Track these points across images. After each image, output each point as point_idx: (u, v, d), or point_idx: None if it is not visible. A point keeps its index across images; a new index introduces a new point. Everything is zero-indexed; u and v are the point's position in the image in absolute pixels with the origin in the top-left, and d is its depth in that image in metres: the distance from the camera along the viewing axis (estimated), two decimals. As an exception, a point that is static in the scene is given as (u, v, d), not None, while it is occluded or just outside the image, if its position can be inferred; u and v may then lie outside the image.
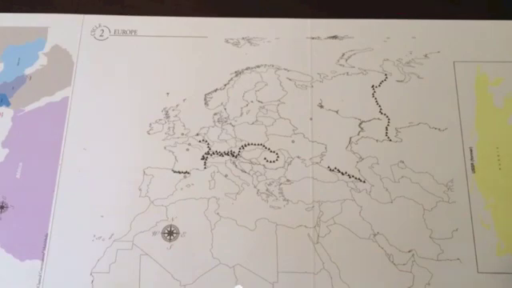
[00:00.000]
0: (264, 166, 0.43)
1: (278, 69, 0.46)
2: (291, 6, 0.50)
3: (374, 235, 0.41)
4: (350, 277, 0.40)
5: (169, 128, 0.44)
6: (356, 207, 0.42)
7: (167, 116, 0.45)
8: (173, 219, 0.41)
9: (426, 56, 0.46)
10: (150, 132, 0.44)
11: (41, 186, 0.43)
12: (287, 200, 0.42)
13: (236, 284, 0.39)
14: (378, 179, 0.42)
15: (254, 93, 0.46)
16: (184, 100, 0.45)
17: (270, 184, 0.42)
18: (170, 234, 0.41)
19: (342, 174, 0.43)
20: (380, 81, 0.46)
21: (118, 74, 0.47)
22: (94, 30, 0.48)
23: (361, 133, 0.44)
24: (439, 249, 0.40)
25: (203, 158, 0.43)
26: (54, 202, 0.42)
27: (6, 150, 0.44)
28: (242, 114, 0.45)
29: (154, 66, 0.47)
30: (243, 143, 0.44)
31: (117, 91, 0.46)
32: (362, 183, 0.42)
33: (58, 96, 0.46)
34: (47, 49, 0.48)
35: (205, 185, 0.42)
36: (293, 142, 0.44)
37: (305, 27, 0.48)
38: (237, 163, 0.43)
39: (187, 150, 0.44)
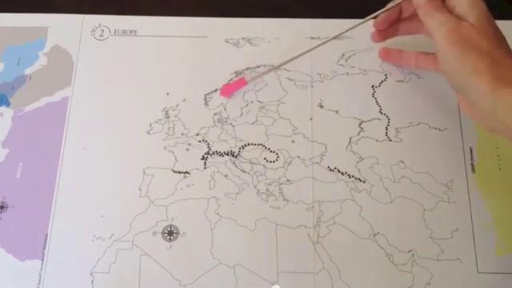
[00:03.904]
0: (264, 166, 0.43)
1: (278, 69, 0.46)
2: (291, 6, 0.50)
3: (374, 235, 0.41)
4: (350, 277, 0.40)
5: (169, 128, 0.44)
6: (356, 207, 0.42)
7: (167, 116, 0.45)
8: (173, 219, 0.41)
9: (426, 56, 0.46)
10: (150, 132, 0.44)
11: (41, 186, 0.43)
12: (287, 200, 0.42)
13: (237, 284, 0.39)
14: (378, 179, 0.42)
15: (254, 93, 0.46)
16: (184, 100, 0.45)
17: (270, 184, 0.42)
18: (170, 234, 0.41)
19: (342, 174, 0.43)
20: (380, 81, 0.46)
21: (118, 73, 0.47)
22: (94, 30, 0.48)
23: (361, 133, 0.44)
24: (439, 249, 0.40)
25: (203, 158, 0.43)
26: (54, 201, 0.42)
27: (6, 150, 0.44)
28: (241, 114, 0.45)
29: (154, 66, 0.47)
30: (243, 143, 0.44)
31: (117, 91, 0.46)
32: (362, 183, 0.42)
33: (57, 96, 0.46)
34: (47, 49, 0.48)
35: (205, 185, 0.42)
36: (293, 142, 0.44)
37: (305, 27, 0.48)
38: (237, 163, 0.43)
39: (187, 150, 0.44)
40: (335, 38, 0.43)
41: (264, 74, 0.45)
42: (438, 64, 0.38)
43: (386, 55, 0.46)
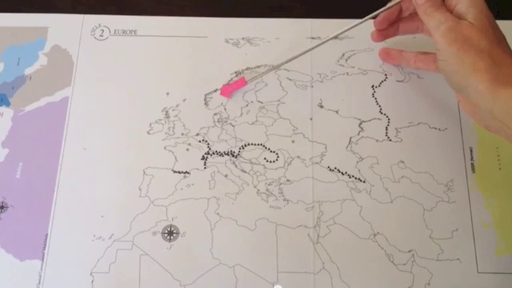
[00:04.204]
0: (264, 166, 0.43)
1: (278, 69, 0.46)
2: (291, 6, 0.50)
3: (374, 235, 0.41)
4: (350, 277, 0.40)
5: (169, 128, 0.44)
6: (356, 207, 0.42)
7: (167, 116, 0.45)
8: (173, 219, 0.41)
9: (425, 56, 0.46)
10: (150, 132, 0.44)
11: (41, 186, 0.43)
12: (287, 200, 0.42)
13: (237, 284, 0.39)
14: (378, 179, 0.42)
15: (253, 93, 0.46)
16: (184, 100, 0.45)
17: (270, 184, 0.42)
18: (170, 234, 0.41)
19: (342, 174, 0.43)
20: (380, 81, 0.46)
21: (117, 74, 0.47)
22: (93, 30, 0.48)
23: (361, 133, 0.44)
24: (439, 249, 0.40)
25: (203, 158, 0.43)
26: (54, 201, 0.42)
27: (6, 150, 0.44)
28: (241, 114, 0.45)
29: (153, 66, 0.47)
30: (243, 143, 0.44)
31: (117, 91, 0.46)
32: (362, 183, 0.42)
33: (57, 96, 0.46)
34: (47, 49, 0.48)
35: (205, 185, 0.42)
36: (293, 142, 0.44)
37: (305, 27, 0.48)
38: (237, 163, 0.43)
39: (187, 150, 0.44)
40: (334, 37, 0.42)
41: (264, 74, 0.45)
42: (438, 63, 0.38)
43: (386, 55, 0.46)
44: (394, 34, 0.44)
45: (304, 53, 0.43)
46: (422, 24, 0.41)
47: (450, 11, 0.36)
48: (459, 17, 0.36)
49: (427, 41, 0.40)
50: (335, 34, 0.42)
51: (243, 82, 0.45)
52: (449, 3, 0.37)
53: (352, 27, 0.42)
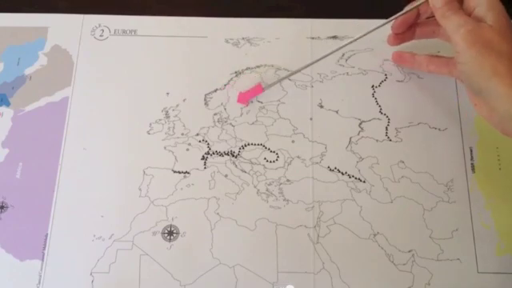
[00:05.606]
0: (264, 166, 0.43)
1: (278, 69, 0.46)
2: (291, 6, 0.50)
3: (374, 235, 0.41)
4: (350, 277, 0.40)
5: (169, 128, 0.44)
6: (356, 207, 0.42)
7: (167, 116, 0.45)
8: (173, 219, 0.41)
9: (426, 56, 0.46)
10: (150, 132, 0.44)
11: (41, 186, 0.43)
12: (287, 200, 0.42)
13: (237, 284, 0.39)
14: (378, 179, 0.42)
15: (254, 93, 0.46)
16: (184, 100, 0.45)
17: (270, 184, 0.42)
18: (170, 234, 0.41)
19: (342, 174, 0.43)
20: (380, 81, 0.46)
21: (118, 74, 0.47)
22: (93, 30, 0.48)
23: (361, 133, 0.44)
24: (439, 249, 0.40)
25: (203, 158, 0.43)
26: (54, 201, 0.42)
27: (6, 150, 0.44)
28: (241, 114, 0.45)
29: (153, 66, 0.47)
30: (243, 143, 0.44)
31: (117, 91, 0.46)
32: (362, 183, 0.42)
33: (57, 96, 0.46)
34: (47, 49, 0.48)
35: (205, 185, 0.42)
36: (293, 142, 0.44)
37: (305, 27, 0.48)
38: (237, 163, 0.43)
39: (187, 150, 0.44)
40: (360, 37, 0.41)
41: (283, 79, 0.44)
42: (456, 66, 0.37)
43: (399, 58, 0.45)
44: (411, 38, 0.43)
45: (328, 55, 0.42)
46: (437, 28, 0.41)
47: (468, 14, 0.36)
48: (478, 20, 0.36)
49: (438, 44, 0.39)
50: (362, 34, 0.41)
51: (260, 89, 0.45)
52: (466, 6, 0.37)
53: (378, 27, 0.41)
